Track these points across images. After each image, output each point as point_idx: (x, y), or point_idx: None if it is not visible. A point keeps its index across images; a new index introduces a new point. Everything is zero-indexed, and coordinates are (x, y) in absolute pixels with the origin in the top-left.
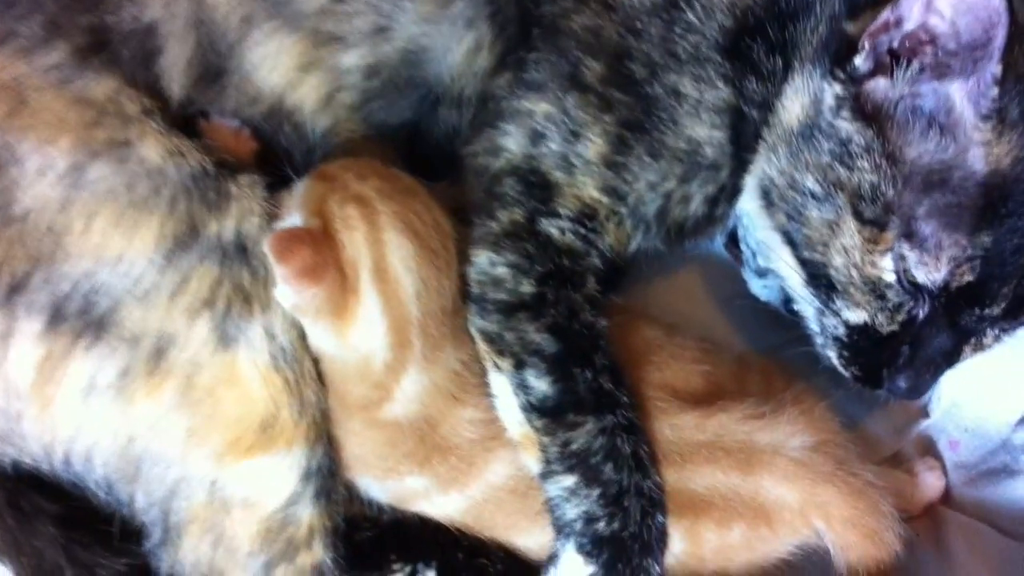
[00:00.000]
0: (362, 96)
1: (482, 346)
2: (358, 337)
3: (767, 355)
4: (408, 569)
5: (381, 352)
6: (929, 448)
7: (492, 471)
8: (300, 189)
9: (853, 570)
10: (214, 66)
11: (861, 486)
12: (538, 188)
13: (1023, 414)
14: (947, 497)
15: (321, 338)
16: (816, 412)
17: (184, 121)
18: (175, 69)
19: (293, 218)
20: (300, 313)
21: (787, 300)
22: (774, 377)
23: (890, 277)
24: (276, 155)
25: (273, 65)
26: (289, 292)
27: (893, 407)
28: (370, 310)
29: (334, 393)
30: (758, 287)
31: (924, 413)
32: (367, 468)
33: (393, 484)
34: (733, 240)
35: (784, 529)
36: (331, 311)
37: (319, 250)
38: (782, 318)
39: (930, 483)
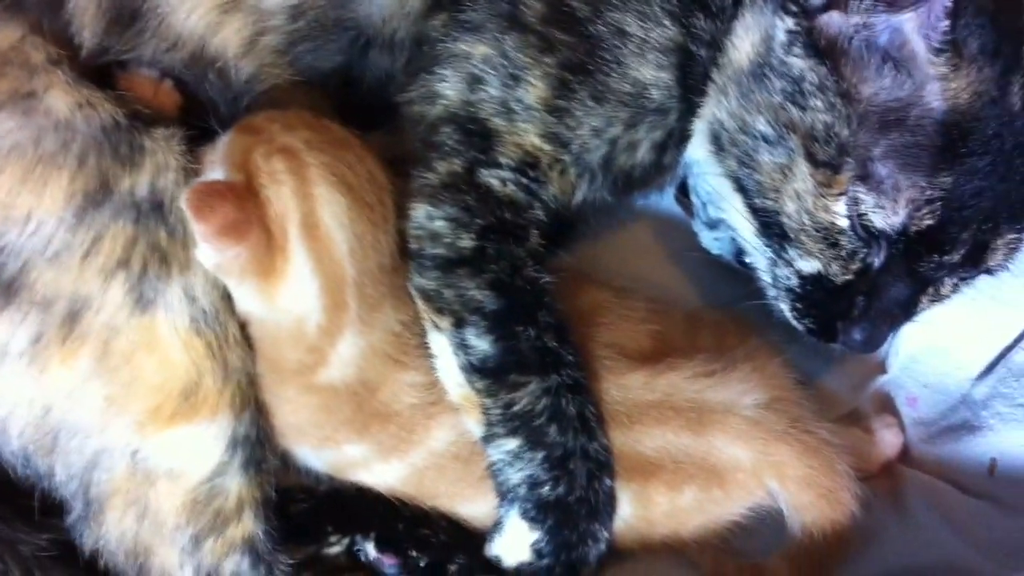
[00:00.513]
0: (287, 39)
1: (421, 304)
2: (288, 299)
3: (721, 310)
4: (346, 541)
5: (314, 314)
6: (887, 405)
7: (434, 437)
8: (223, 142)
9: (808, 531)
10: (128, 8)
11: (816, 444)
12: (477, 136)
13: (984, 368)
14: (906, 455)
15: (248, 301)
16: (770, 368)
17: (99, 72)
18: (86, 14)
19: (215, 173)
20: (223, 274)
21: (739, 252)
22: (727, 333)
23: (843, 223)
24: (200, 107)
25: (192, 6)
26: (210, 252)
27: (849, 363)
28: (300, 269)
29: (264, 358)
30: (709, 239)
31: (882, 369)
32: (302, 437)
33: (330, 453)
34: (683, 191)
35: (737, 490)
36: (257, 271)
37: (242, 206)
38: (735, 272)
39: (888, 441)
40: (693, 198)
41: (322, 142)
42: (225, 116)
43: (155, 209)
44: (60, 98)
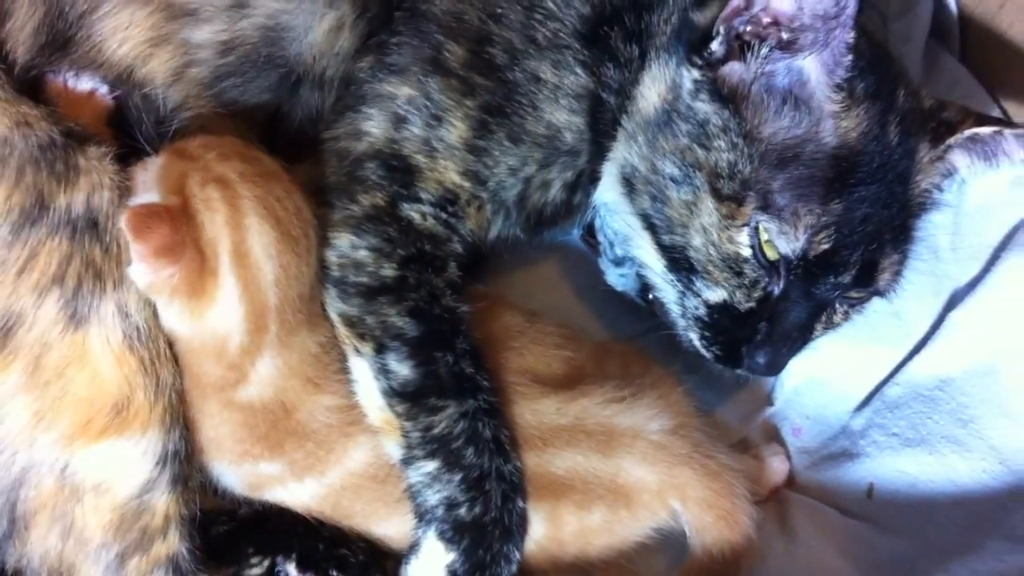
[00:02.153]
0: (214, 72)
1: (342, 330)
2: (215, 319)
3: (625, 342)
4: (267, 562)
5: (237, 335)
6: (774, 434)
7: (351, 457)
8: (156, 164)
9: (707, 551)
10: (62, 34)
11: (716, 468)
12: (400, 172)
13: (860, 401)
14: (792, 481)
15: (175, 319)
16: (674, 396)
17: (29, 82)
18: (21, 34)
19: (150, 195)
20: (155, 292)
21: (643, 289)
22: (632, 362)
23: (747, 252)
24: (126, 123)
25: (124, 38)
26: (145, 271)
27: (739, 395)
28: (228, 293)
29: (189, 374)
30: (614, 277)
31: (768, 401)
32: (222, 452)
33: (248, 468)
34: (589, 232)
35: (643, 511)
36: (187, 292)
37: (177, 228)
38: (637, 307)
39: (776, 467)
40: (600, 237)
41: (255, 175)
42: (150, 136)
43: (90, 226)
44: None
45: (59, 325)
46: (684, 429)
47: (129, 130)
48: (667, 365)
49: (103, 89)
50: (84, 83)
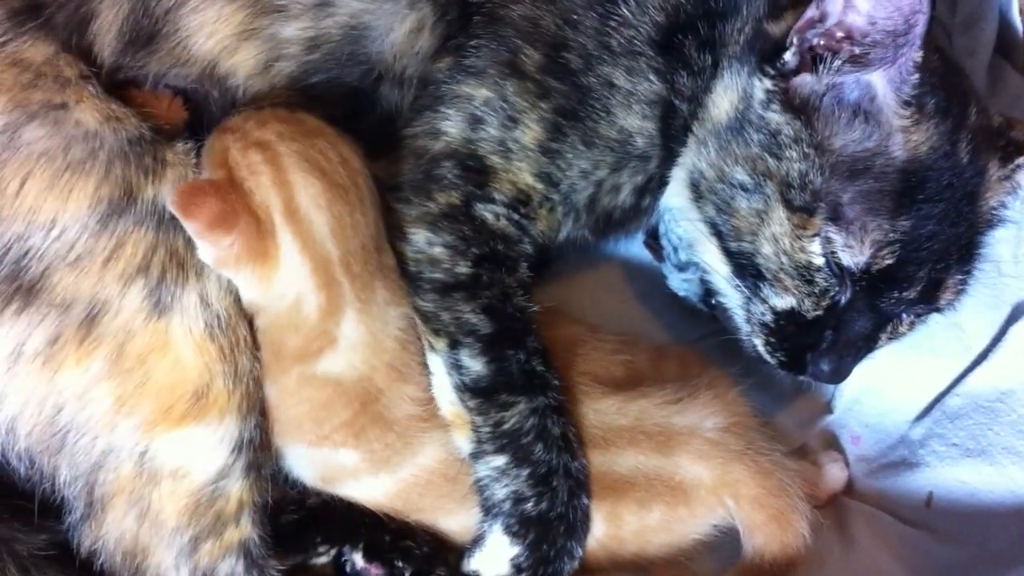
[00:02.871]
0: (301, 67)
1: (419, 324)
2: (283, 282)
3: (684, 346)
4: (333, 552)
5: (311, 295)
6: (832, 442)
7: (425, 453)
8: (207, 144)
9: (759, 551)
10: (146, 31)
11: (769, 466)
12: (475, 172)
13: (920, 411)
14: (850, 488)
15: (249, 289)
16: (729, 396)
17: (115, 89)
18: (108, 35)
19: (206, 173)
20: (222, 266)
21: (706, 294)
22: (691, 364)
23: (819, 261)
24: (199, 120)
25: (210, 32)
26: (206, 246)
27: (798, 403)
28: (289, 252)
29: (270, 347)
30: (677, 282)
31: (827, 409)
32: (301, 433)
33: (326, 454)
34: (653, 237)
35: (700, 508)
36: (251, 258)
37: (226, 199)
38: (699, 312)
39: (834, 474)
40: (664, 242)
41: (294, 132)
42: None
43: (175, 218)
44: (89, 111)
45: (143, 313)
46: (738, 427)
47: (199, 127)
48: (726, 370)
49: (179, 100)
50: (164, 92)
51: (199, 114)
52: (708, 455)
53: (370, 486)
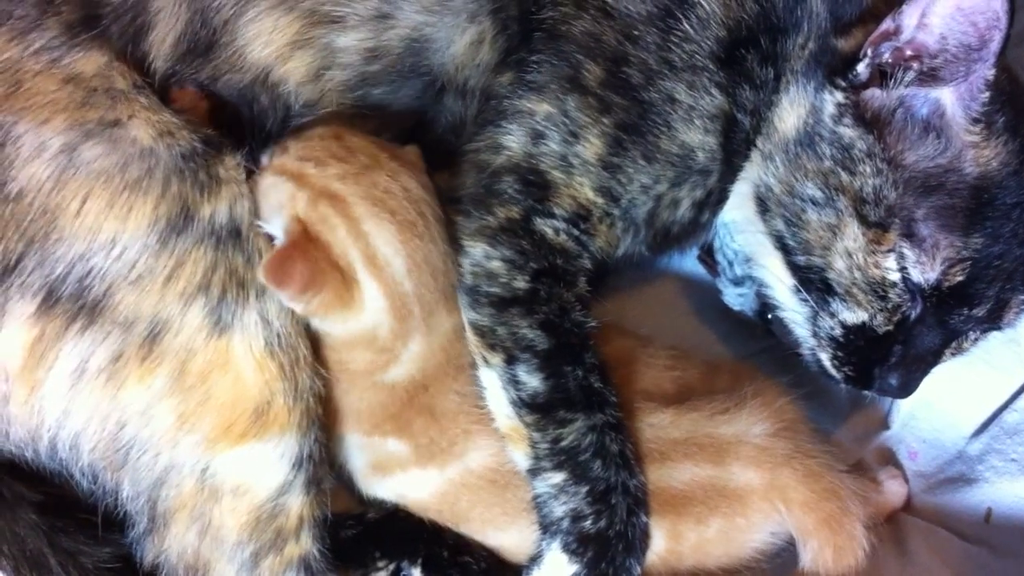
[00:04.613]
0: (359, 76)
1: (473, 339)
2: (364, 319)
3: (737, 361)
4: (392, 566)
5: (386, 325)
6: (889, 458)
7: (470, 456)
8: (265, 187)
9: (815, 556)
10: (204, 41)
11: (818, 469)
12: (536, 187)
13: (978, 426)
14: (908, 504)
15: (330, 327)
16: (777, 402)
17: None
18: (164, 45)
19: (272, 225)
20: (310, 315)
21: (762, 308)
22: (743, 378)
23: (894, 276)
24: (235, 120)
25: (267, 41)
26: (298, 306)
27: (854, 418)
28: (371, 295)
29: (334, 359)
30: (733, 296)
31: (884, 424)
32: (360, 423)
33: (377, 443)
34: (707, 252)
35: (756, 515)
36: (339, 306)
37: (311, 259)
38: (753, 327)
39: (894, 490)
40: (719, 257)
41: (354, 171)
42: (274, 130)
43: (233, 236)
44: (143, 127)
45: (204, 332)
46: (786, 432)
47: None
48: (781, 384)
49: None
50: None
51: (245, 122)
52: (758, 461)
53: (418, 481)
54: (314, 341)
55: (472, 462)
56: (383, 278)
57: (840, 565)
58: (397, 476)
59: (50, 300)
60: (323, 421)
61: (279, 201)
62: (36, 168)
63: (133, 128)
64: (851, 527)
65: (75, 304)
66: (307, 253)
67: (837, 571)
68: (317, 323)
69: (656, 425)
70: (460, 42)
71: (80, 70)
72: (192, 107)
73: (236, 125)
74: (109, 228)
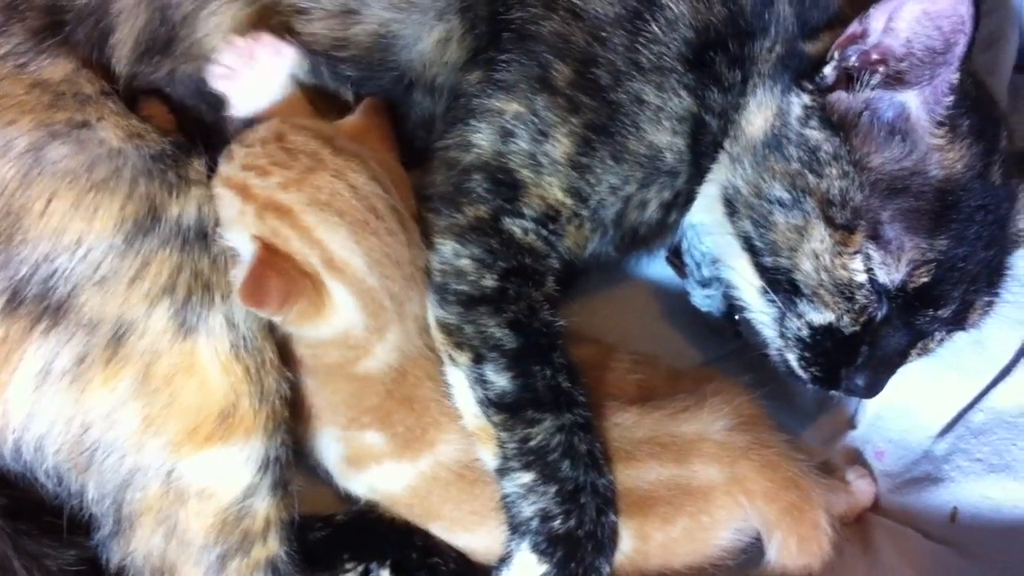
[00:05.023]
0: (325, 51)
1: (439, 337)
2: (337, 320)
3: (703, 366)
4: (360, 568)
5: (359, 323)
6: (855, 458)
7: (440, 450)
8: (216, 198)
9: (781, 547)
10: (163, 38)
11: (775, 459)
12: (505, 186)
13: (943, 427)
14: (874, 504)
15: (306, 333)
16: (736, 399)
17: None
18: (125, 47)
19: (231, 235)
20: (288, 325)
21: (729, 310)
22: (705, 381)
23: (861, 278)
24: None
25: (227, 31)
26: (279, 319)
27: (820, 419)
28: (340, 297)
29: (308, 356)
30: (700, 298)
31: (850, 425)
32: (335, 416)
33: (354, 435)
34: (675, 253)
35: (719, 512)
36: (314, 312)
37: (283, 273)
38: (722, 328)
39: (863, 489)
40: (687, 259)
41: (296, 179)
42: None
43: (200, 237)
44: (111, 128)
45: (168, 334)
46: (744, 425)
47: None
48: (748, 387)
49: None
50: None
51: (208, 125)
52: (717, 456)
53: (391, 474)
54: (282, 340)
55: (442, 455)
56: (347, 279)
57: (805, 555)
58: (372, 470)
59: (14, 301)
60: (289, 424)
61: (229, 215)
62: (1, 169)
63: (101, 130)
64: (814, 516)
65: (39, 305)
66: (278, 267)
67: (803, 561)
68: (292, 330)
69: (621, 425)
70: (427, 40)
71: (47, 76)
72: (160, 118)
73: (202, 132)
74: (74, 228)
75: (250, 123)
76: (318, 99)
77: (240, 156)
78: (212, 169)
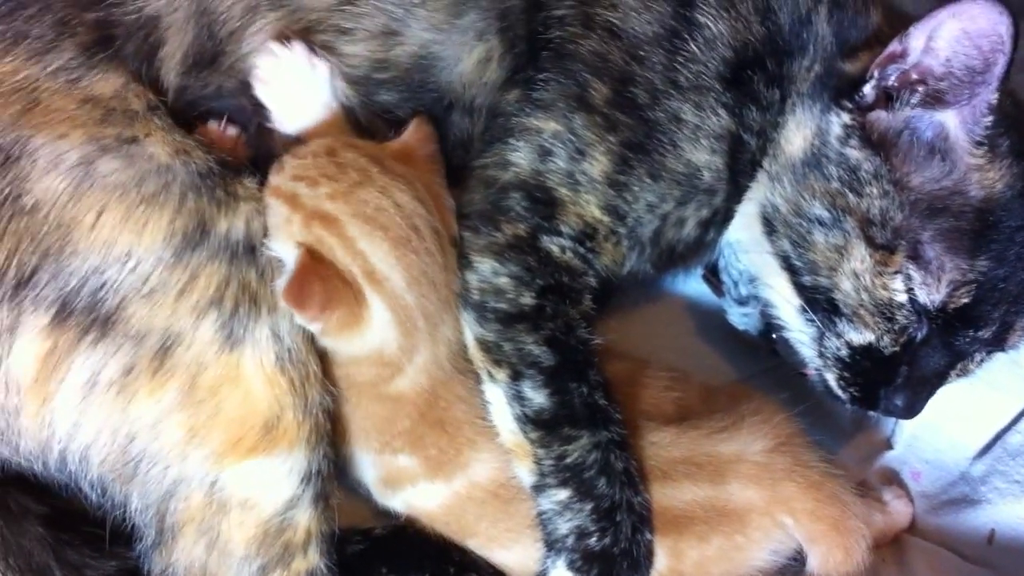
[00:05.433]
0: (367, 75)
1: (477, 354)
2: (373, 335)
3: (738, 382)
4: None
5: (393, 341)
6: (892, 478)
7: (475, 469)
8: (265, 208)
9: (824, 560)
10: (210, 53)
11: (819, 478)
12: (543, 204)
13: (980, 448)
14: (911, 524)
15: (342, 346)
16: (774, 419)
17: (181, 116)
18: (173, 60)
19: (276, 243)
20: (325, 336)
21: (766, 328)
22: (740, 399)
23: (902, 298)
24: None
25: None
26: (318, 326)
27: (858, 439)
28: (378, 311)
29: (342, 375)
30: (737, 316)
31: (887, 445)
32: (369, 440)
33: (388, 459)
34: (712, 271)
35: (756, 533)
36: (352, 323)
37: (326, 279)
38: (758, 346)
39: (900, 510)
40: (724, 277)
41: (344, 189)
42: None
43: (248, 251)
44: (160, 144)
45: (215, 346)
46: (785, 447)
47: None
48: (784, 405)
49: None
50: (230, 131)
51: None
52: (757, 478)
53: (426, 493)
54: (323, 358)
55: (477, 474)
56: (385, 293)
57: (849, 564)
58: (407, 490)
59: (63, 313)
60: (331, 437)
61: (276, 223)
62: (52, 181)
63: (150, 145)
64: (856, 527)
65: (88, 317)
66: (321, 273)
67: (846, 570)
68: (329, 342)
69: (657, 444)
70: (468, 60)
71: (98, 91)
72: (230, 150)
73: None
74: (124, 241)
75: (298, 141)
76: (359, 123)
77: (291, 167)
78: (261, 187)
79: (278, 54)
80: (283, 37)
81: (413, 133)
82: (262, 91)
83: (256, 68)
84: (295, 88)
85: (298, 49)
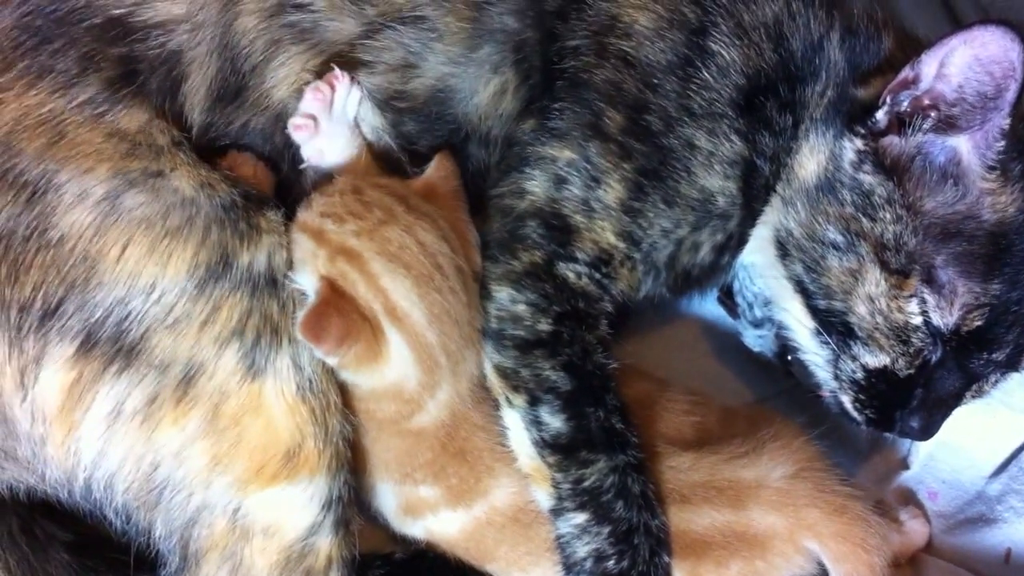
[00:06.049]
0: (385, 99)
1: (495, 381)
2: (392, 371)
3: (755, 404)
4: None
5: (413, 377)
6: (909, 498)
7: (495, 495)
8: (292, 242)
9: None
10: (233, 87)
11: (842, 502)
12: (559, 232)
13: (996, 467)
14: (928, 544)
15: (360, 380)
16: (795, 444)
17: (204, 151)
18: (196, 95)
19: (300, 279)
20: (343, 368)
21: (781, 350)
22: (760, 423)
23: (916, 321)
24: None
25: (293, 81)
26: (334, 359)
27: (874, 459)
28: (398, 347)
29: (362, 409)
30: (752, 338)
31: (903, 465)
32: (389, 472)
33: (408, 490)
34: (727, 294)
35: (776, 559)
36: (369, 358)
37: (344, 313)
38: (774, 369)
39: (917, 529)
40: (739, 299)
41: (369, 227)
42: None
43: (269, 284)
44: (184, 178)
45: (237, 375)
46: (806, 472)
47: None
48: (800, 426)
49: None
50: (251, 157)
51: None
52: (779, 504)
53: (446, 520)
54: (343, 388)
55: (496, 499)
56: (406, 330)
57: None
58: (427, 517)
59: (88, 343)
60: (352, 464)
61: (302, 257)
62: (78, 215)
63: (175, 179)
64: (880, 546)
65: (113, 347)
66: (340, 307)
67: None
68: (348, 376)
69: (676, 468)
70: (484, 92)
71: (124, 126)
72: (253, 178)
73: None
74: (149, 273)
75: (326, 177)
76: (384, 161)
77: (319, 204)
78: (286, 220)
79: (323, 87)
80: (309, 80)
81: (436, 170)
82: (298, 135)
83: (299, 114)
84: (332, 123)
85: (338, 72)
